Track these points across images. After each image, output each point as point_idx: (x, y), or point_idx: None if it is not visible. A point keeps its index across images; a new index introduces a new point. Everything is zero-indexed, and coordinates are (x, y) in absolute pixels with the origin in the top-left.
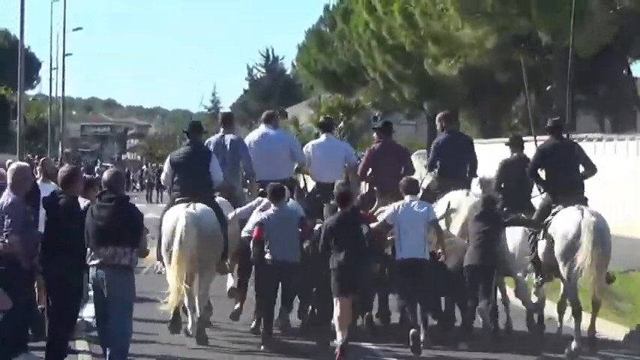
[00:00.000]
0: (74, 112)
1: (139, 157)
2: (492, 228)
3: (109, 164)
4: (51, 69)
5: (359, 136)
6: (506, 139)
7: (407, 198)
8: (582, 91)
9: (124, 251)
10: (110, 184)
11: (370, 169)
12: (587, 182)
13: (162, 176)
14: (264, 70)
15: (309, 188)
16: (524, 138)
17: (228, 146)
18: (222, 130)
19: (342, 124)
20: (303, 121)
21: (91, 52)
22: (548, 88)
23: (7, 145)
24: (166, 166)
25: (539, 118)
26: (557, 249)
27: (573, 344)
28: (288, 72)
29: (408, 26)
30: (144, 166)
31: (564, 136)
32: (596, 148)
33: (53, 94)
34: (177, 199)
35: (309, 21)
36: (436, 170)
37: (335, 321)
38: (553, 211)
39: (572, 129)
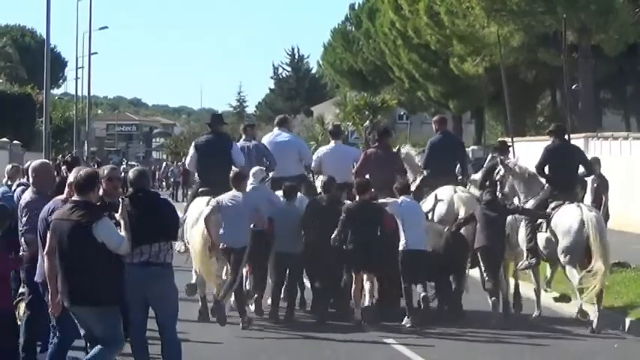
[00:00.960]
0: (100, 111)
1: (164, 156)
2: (498, 215)
3: (134, 163)
4: (77, 68)
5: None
6: (533, 137)
7: (402, 198)
8: (609, 90)
9: (167, 247)
10: (137, 182)
11: (367, 172)
12: (614, 180)
13: (187, 160)
14: (289, 69)
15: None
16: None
17: (252, 149)
18: (243, 138)
19: (367, 122)
20: (328, 119)
21: (117, 51)
22: (574, 86)
23: (34, 144)
24: (191, 150)
25: (565, 117)
26: (562, 243)
27: (594, 322)
28: (313, 71)
29: (434, 25)
30: (169, 165)
31: (566, 138)
32: (621, 146)
33: (79, 93)
34: (200, 189)
35: (335, 20)
36: (427, 171)
37: (354, 296)
38: (551, 205)
39: (599, 127)
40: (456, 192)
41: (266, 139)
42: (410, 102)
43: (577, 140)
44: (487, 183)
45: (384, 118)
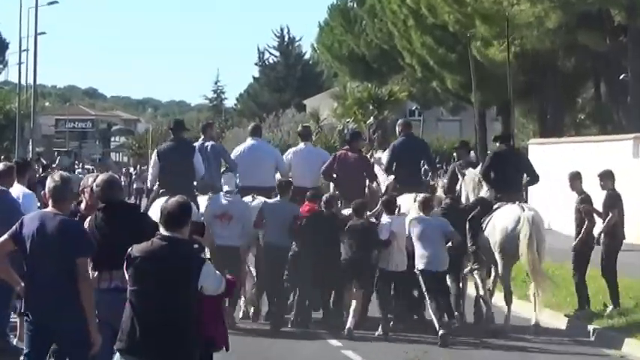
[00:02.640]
0: (48, 104)
1: (125, 158)
2: (457, 219)
3: (89, 166)
4: (20, 51)
5: (393, 134)
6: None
7: (385, 217)
8: None
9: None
10: (108, 192)
11: (334, 173)
12: None
13: (150, 168)
14: (277, 54)
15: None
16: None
17: (209, 150)
18: (202, 138)
19: (371, 119)
20: (325, 115)
21: (69, 31)
22: (622, 76)
23: None
24: (154, 157)
25: (611, 113)
26: (496, 239)
27: (503, 323)
28: (306, 56)
29: (452, 1)
30: (131, 169)
31: (511, 144)
32: None
33: (23, 82)
34: (161, 191)
35: None
36: (392, 177)
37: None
38: (495, 207)
39: None
40: (415, 201)
41: (238, 149)
42: (423, 94)
43: (624, 142)
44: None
45: (392, 114)
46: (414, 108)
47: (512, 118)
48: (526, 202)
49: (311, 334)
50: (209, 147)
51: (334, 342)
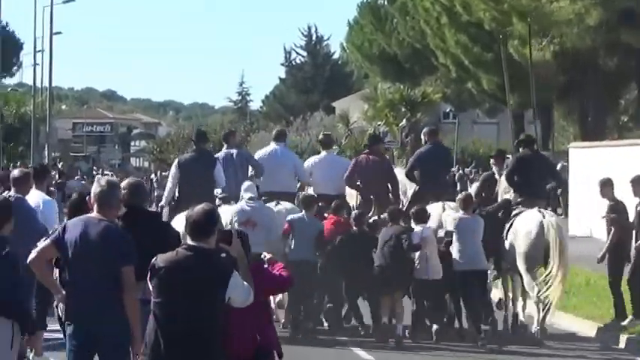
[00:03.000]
0: (64, 107)
1: (146, 164)
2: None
3: (108, 172)
4: (35, 52)
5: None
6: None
7: (417, 227)
8: None
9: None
10: (132, 199)
11: (358, 180)
12: None
13: (169, 179)
14: (304, 54)
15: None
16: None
17: (235, 158)
18: (225, 146)
19: (404, 121)
20: (355, 118)
21: (87, 31)
22: None
23: None
24: (174, 168)
25: None
26: (520, 248)
27: (534, 329)
28: (335, 56)
29: None
30: (152, 175)
31: (535, 148)
32: None
33: (38, 84)
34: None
35: None
36: (417, 186)
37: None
38: (514, 212)
39: None
40: (444, 210)
41: (260, 154)
42: (458, 96)
43: None
44: (483, 194)
45: (425, 116)
46: (448, 110)
47: (552, 120)
48: (547, 208)
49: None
50: (234, 155)
51: (363, 354)
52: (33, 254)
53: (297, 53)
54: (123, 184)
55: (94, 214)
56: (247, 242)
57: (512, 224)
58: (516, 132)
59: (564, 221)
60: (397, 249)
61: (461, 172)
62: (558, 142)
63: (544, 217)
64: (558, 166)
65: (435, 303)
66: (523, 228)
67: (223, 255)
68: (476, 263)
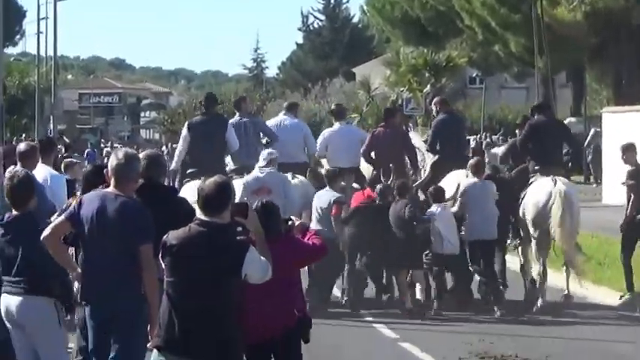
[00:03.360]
0: (70, 77)
1: (156, 135)
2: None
3: (118, 144)
4: (39, 19)
5: (452, 103)
6: None
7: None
8: None
9: None
10: (148, 171)
11: (373, 151)
12: None
13: (180, 142)
14: (323, 18)
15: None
16: None
17: (248, 126)
18: (237, 114)
19: (428, 87)
20: (376, 84)
21: None
22: None
23: None
24: (184, 130)
25: None
26: (529, 215)
27: (539, 302)
28: (355, 19)
29: None
30: (163, 147)
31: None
32: None
33: (42, 53)
34: (189, 171)
35: None
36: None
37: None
38: (530, 180)
39: None
40: (467, 177)
41: (270, 124)
42: (484, 60)
43: None
44: (510, 161)
45: (450, 82)
46: (474, 75)
47: (584, 84)
48: (563, 175)
49: (363, 324)
50: (247, 122)
51: (389, 333)
52: (47, 231)
53: (315, 17)
54: (142, 155)
55: (111, 188)
56: (276, 213)
57: (525, 193)
58: (546, 97)
59: (597, 189)
60: (406, 223)
61: (488, 139)
62: (591, 106)
63: (555, 184)
64: (591, 132)
65: (456, 276)
66: (533, 197)
67: (239, 229)
68: (482, 233)
